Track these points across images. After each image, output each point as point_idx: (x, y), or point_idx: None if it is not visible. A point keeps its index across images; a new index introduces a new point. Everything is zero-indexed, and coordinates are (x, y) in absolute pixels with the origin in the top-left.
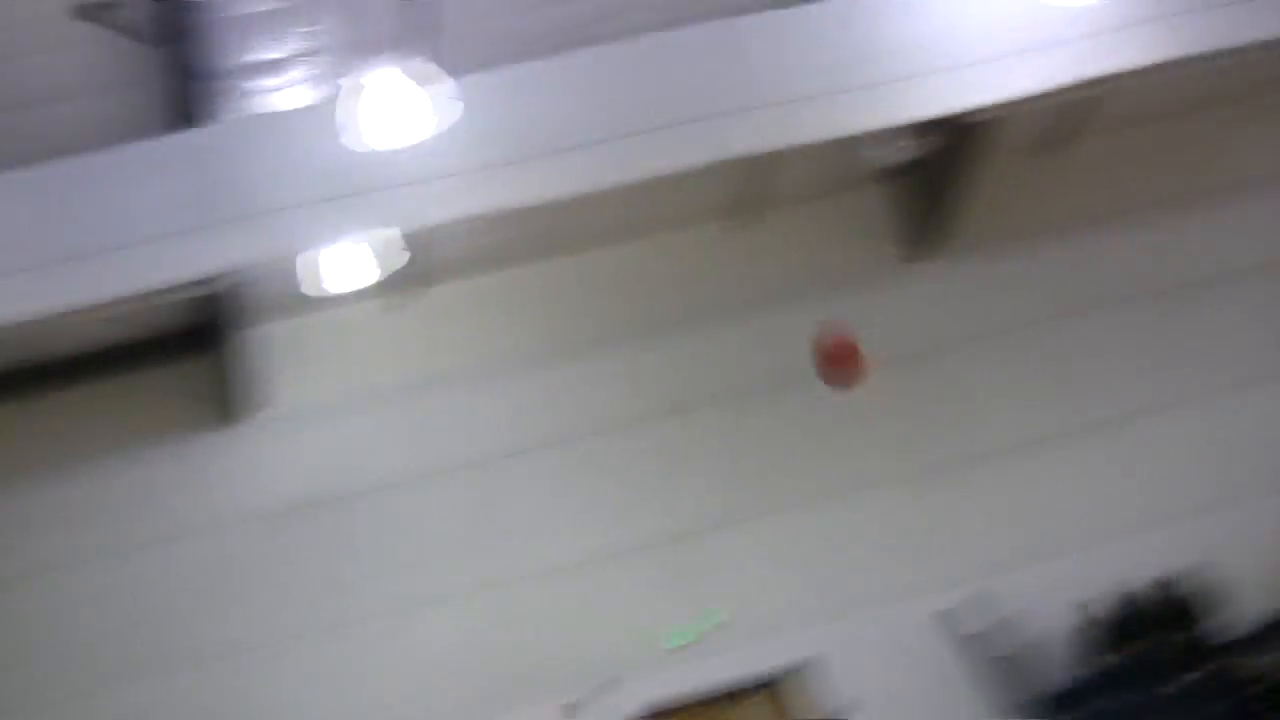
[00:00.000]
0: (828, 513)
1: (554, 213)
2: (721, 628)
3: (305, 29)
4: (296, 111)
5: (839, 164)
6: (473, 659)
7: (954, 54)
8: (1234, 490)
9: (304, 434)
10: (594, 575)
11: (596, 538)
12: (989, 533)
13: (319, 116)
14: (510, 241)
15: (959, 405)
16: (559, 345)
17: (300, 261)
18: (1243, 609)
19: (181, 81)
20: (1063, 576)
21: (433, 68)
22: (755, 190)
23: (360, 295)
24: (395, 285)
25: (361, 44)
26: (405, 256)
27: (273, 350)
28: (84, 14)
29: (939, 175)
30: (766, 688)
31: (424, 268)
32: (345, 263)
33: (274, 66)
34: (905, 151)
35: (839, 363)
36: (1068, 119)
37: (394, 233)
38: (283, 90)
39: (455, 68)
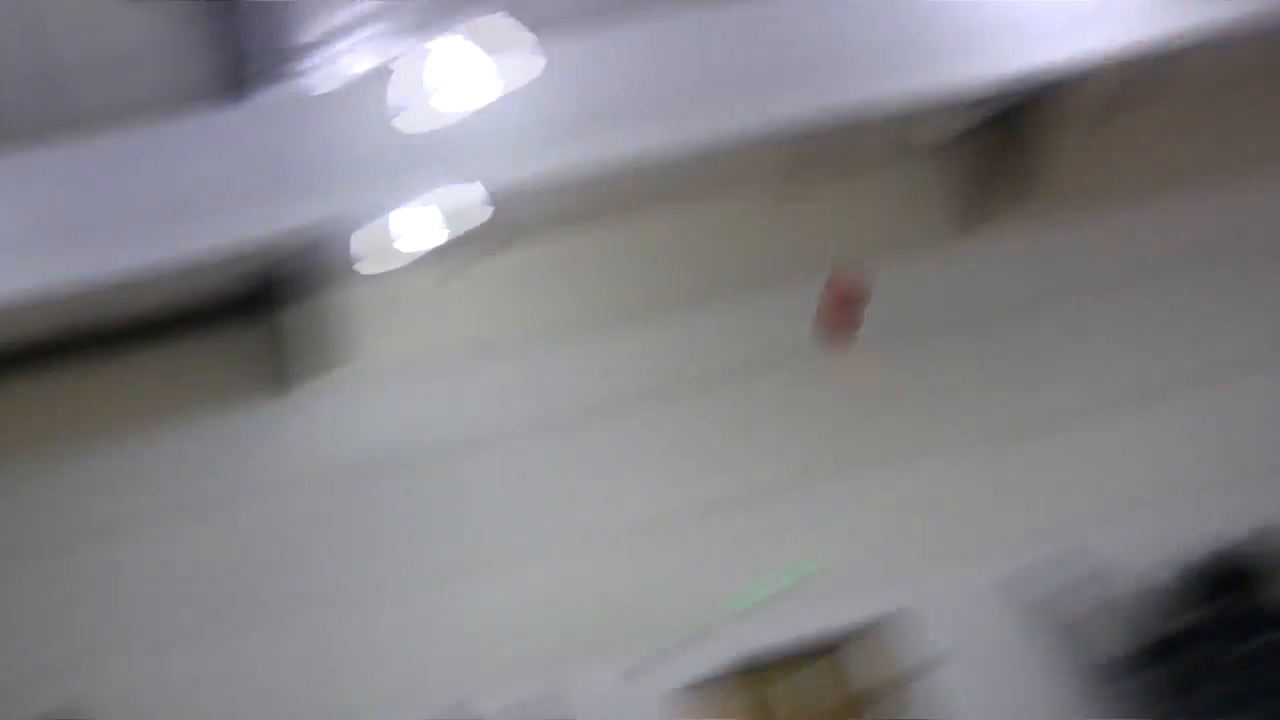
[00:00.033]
0: (905, 471)
1: (618, 178)
2: (797, 586)
3: None
4: (361, 75)
5: (895, 133)
6: (544, 618)
7: (1014, 20)
8: None
9: (371, 397)
10: (668, 535)
11: (670, 497)
12: (1069, 491)
13: (383, 81)
14: (576, 205)
15: (1030, 368)
16: (628, 307)
17: (368, 226)
18: None
19: (245, 48)
20: (1145, 535)
21: (500, 30)
22: (812, 157)
23: (426, 260)
24: (461, 250)
25: (428, 6)
26: (473, 220)
27: (345, 313)
28: None
29: (996, 144)
30: (845, 644)
31: (491, 231)
32: (413, 227)
33: (340, 32)
34: (963, 120)
35: (841, 315)
36: (1131, 85)
37: (462, 196)
38: (348, 55)
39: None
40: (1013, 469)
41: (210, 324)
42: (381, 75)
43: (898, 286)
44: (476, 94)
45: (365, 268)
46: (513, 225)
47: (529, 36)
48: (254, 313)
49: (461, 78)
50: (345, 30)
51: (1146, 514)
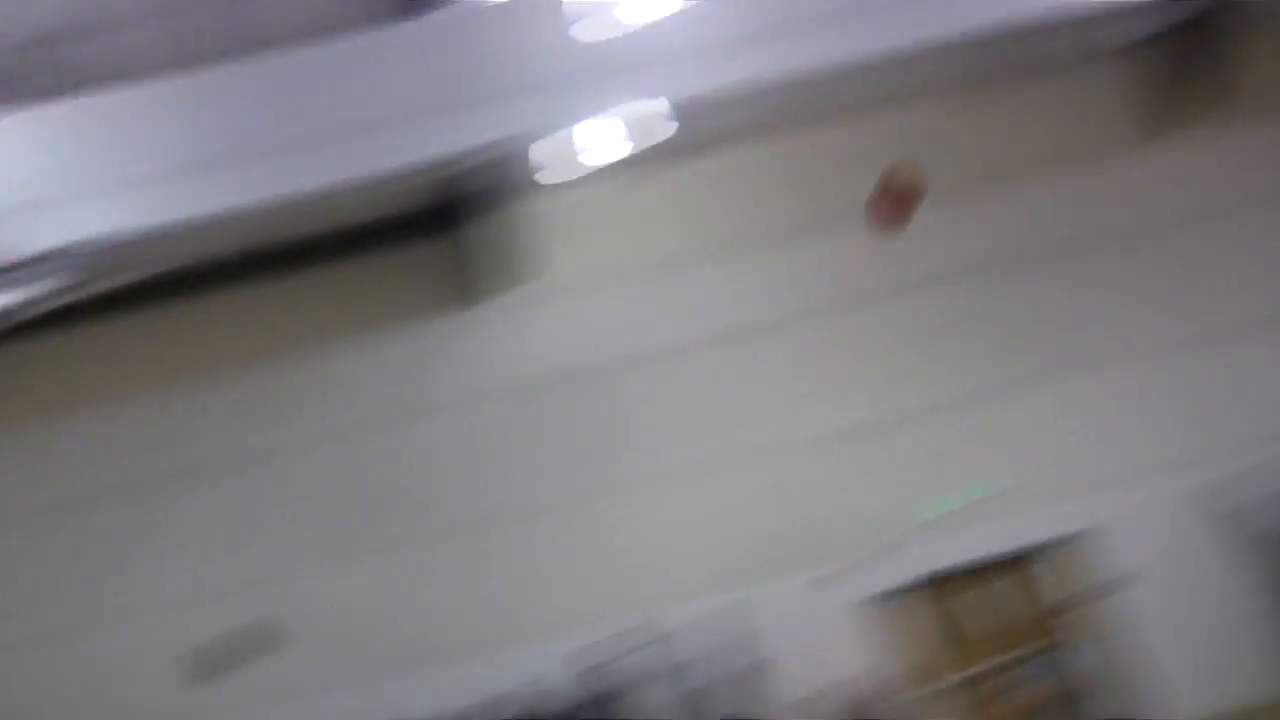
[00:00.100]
0: (1096, 382)
1: (800, 89)
2: (988, 501)
3: None
4: None
5: (1081, 37)
6: (731, 532)
7: None
8: None
9: (555, 311)
10: (855, 447)
11: (857, 410)
12: (1261, 401)
13: None
14: (757, 117)
15: (1221, 278)
16: (811, 218)
17: (551, 140)
18: None
19: None
20: None
21: None
22: (992, 66)
23: (609, 173)
24: (645, 162)
25: None
26: (657, 133)
27: (528, 228)
28: None
29: (1186, 48)
30: (1034, 560)
31: (675, 143)
32: (596, 140)
33: None
34: (1152, 23)
35: (894, 209)
36: None
37: (646, 109)
38: None
39: None
40: (1205, 380)
41: (394, 240)
42: None
43: (1083, 194)
44: (657, 4)
45: (548, 181)
46: (695, 137)
47: None
48: (438, 229)
49: None
50: None
51: None
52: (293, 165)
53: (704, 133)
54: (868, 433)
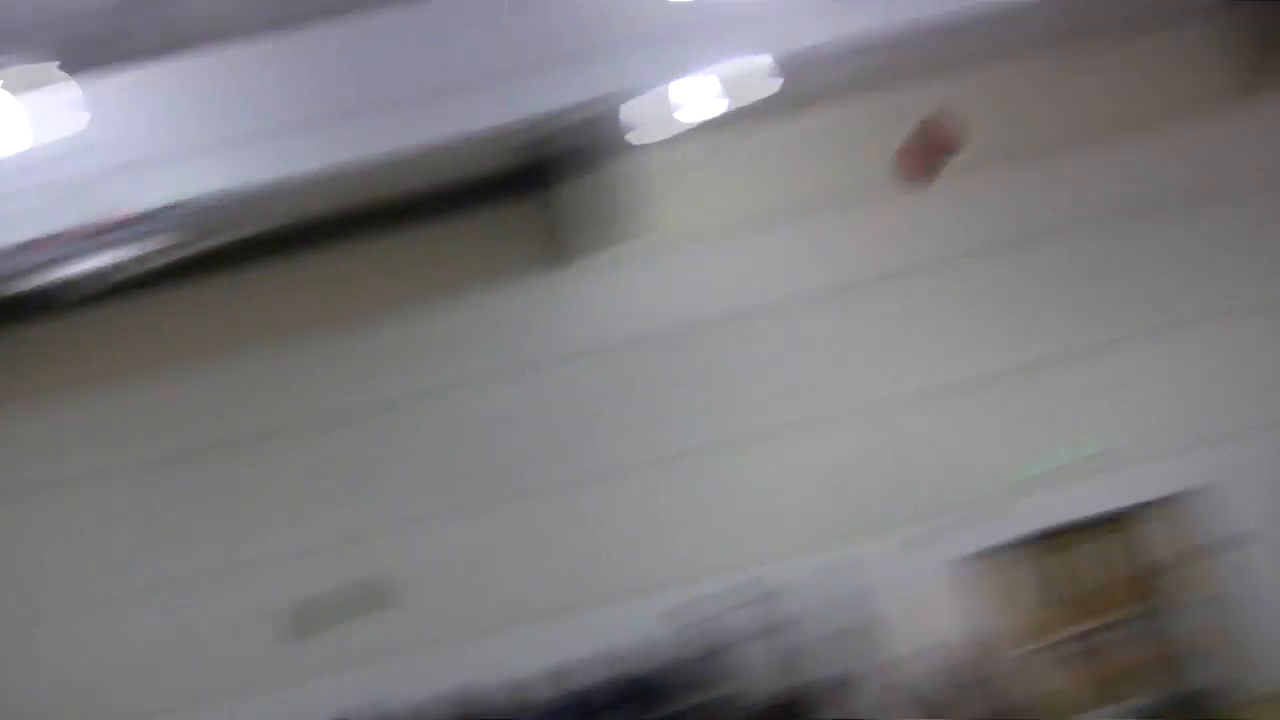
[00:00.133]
0: (1209, 338)
1: (901, 40)
2: (1093, 459)
3: None
4: None
5: None
6: (833, 488)
7: None
8: None
9: (649, 269)
10: (963, 402)
11: (965, 365)
12: None
13: None
14: (865, 70)
15: None
16: None
17: (646, 97)
18: None
19: None
20: None
21: None
22: (1093, 20)
23: (705, 130)
24: (740, 119)
25: None
26: (752, 89)
27: (623, 187)
28: None
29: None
30: (1139, 518)
31: (770, 99)
32: (691, 97)
33: None
34: None
35: (926, 160)
36: None
37: (741, 65)
38: None
39: None
40: None
41: (490, 199)
42: None
43: (1192, 147)
44: None
45: (643, 139)
46: (793, 93)
47: None
48: (532, 187)
49: None
50: None
51: None
52: (389, 124)
53: (801, 89)
54: (973, 389)
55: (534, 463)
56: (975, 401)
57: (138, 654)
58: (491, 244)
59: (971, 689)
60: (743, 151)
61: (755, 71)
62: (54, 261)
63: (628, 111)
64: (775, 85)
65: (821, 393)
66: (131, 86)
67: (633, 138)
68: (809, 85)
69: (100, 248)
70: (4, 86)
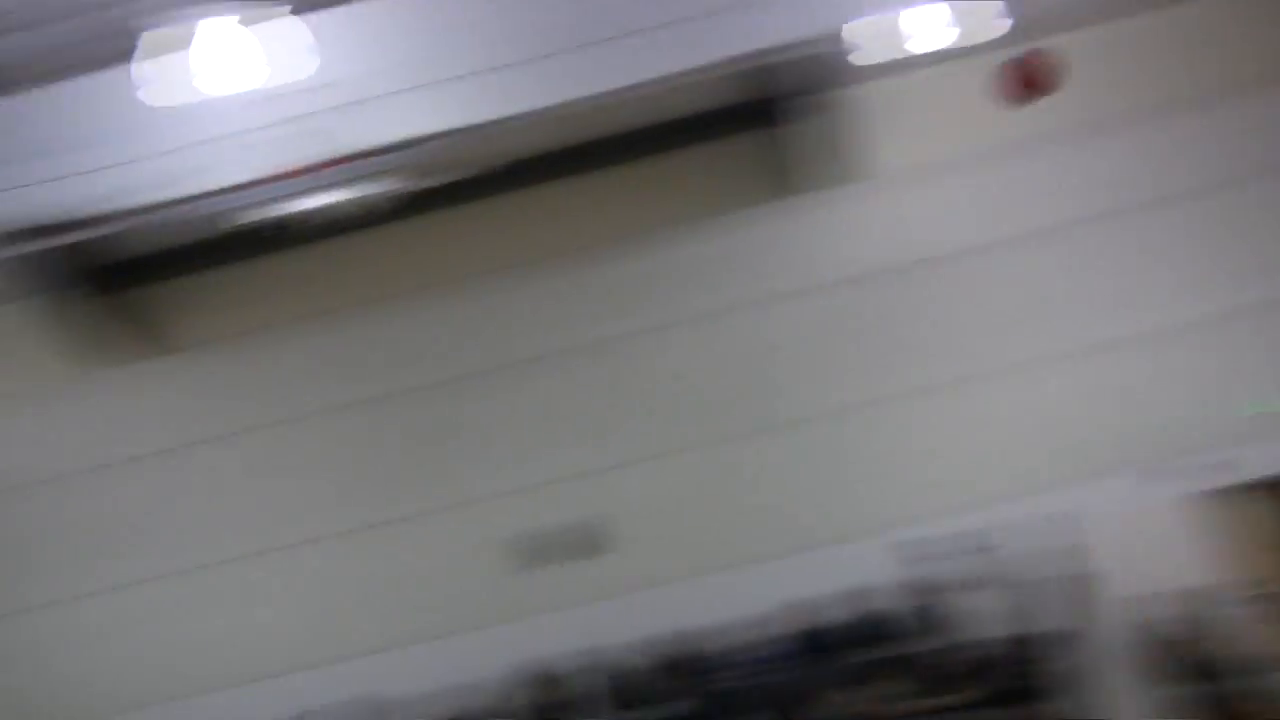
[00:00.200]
0: None
1: None
2: None
3: None
4: None
5: None
6: (1059, 428)
7: None
8: None
9: (874, 203)
10: (1190, 341)
11: (1191, 303)
12: None
13: None
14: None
15: None
16: (1141, 107)
17: (874, 27)
18: None
19: None
20: None
21: None
22: None
23: (934, 61)
24: (976, 49)
25: None
26: (983, 20)
27: (849, 120)
28: None
29: None
30: None
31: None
32: (921, 27)
33: None
34: None
35: (1021, 92)
36: None
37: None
38: None
39: None
40: None
41: (715, 134)
42: None
43: None
44: None
45: (871, 72)
46: (1032, 23)
47: None
48: (759, 122)
49: None
50: None
51: None
52: (615, 60)
53: (1037, 20)
54: (1203, 327)
55: (753, 401)
56: (1206, 341)
57: (365, 588)
58: (718, 179)
59: (1201, 635)
60: (972, 84)
61: (987, 5)
62: (284, 197)
63: (855, 40)
64: (1000, 17)
65: (1047, 331)
66: (359, 24)
67: (860, 69)
68: (1039, 18)
69: (328, 185)
70: (240, 23)
